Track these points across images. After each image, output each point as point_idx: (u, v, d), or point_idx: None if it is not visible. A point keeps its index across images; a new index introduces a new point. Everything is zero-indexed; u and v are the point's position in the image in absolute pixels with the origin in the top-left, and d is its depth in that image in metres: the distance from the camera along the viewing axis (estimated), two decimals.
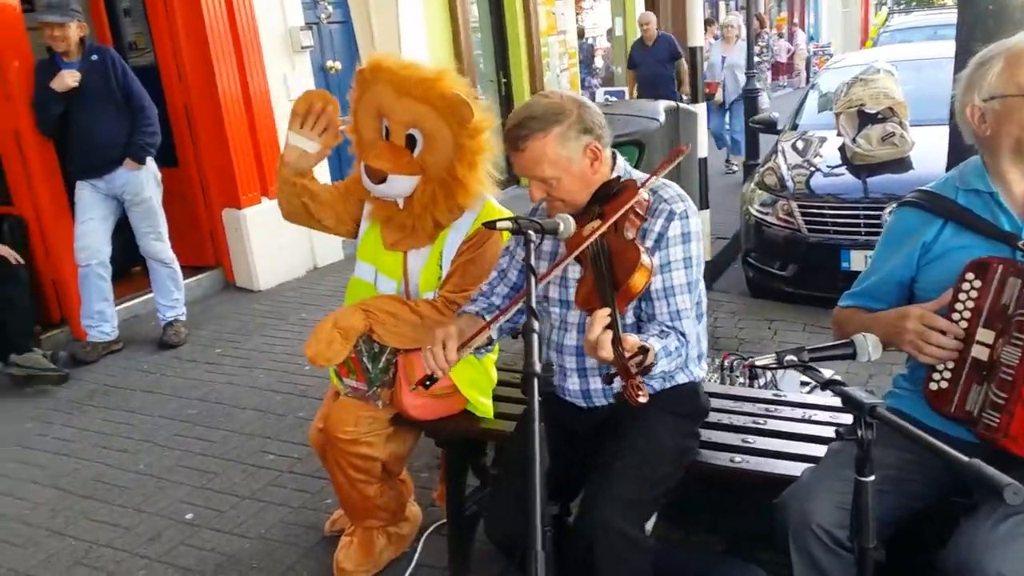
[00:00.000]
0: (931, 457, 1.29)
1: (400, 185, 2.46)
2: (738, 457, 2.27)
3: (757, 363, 1.83)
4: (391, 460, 2.75)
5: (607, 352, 1.67)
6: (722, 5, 20.18)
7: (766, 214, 5.30)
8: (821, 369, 1.69)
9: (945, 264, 1.87)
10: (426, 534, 2.96)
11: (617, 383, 1.71)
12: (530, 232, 1.88)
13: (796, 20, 25.25)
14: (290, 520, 3.16)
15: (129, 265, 5.57)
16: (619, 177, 2.11)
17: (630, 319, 2.09)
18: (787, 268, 5.17)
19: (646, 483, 2.05)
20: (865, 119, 5.35)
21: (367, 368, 2.61)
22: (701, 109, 5.37)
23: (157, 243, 5.02)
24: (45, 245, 5.09)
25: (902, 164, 5.03)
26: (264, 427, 3.92)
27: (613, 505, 1.94)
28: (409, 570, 2.79)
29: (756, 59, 11.61)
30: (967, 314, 1.80)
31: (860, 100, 5.48)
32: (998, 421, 1.75)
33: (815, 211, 5.03)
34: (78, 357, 4.85)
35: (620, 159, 2.18)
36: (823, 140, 5.82)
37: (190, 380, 4.54)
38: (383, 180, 2.45)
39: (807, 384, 3.00)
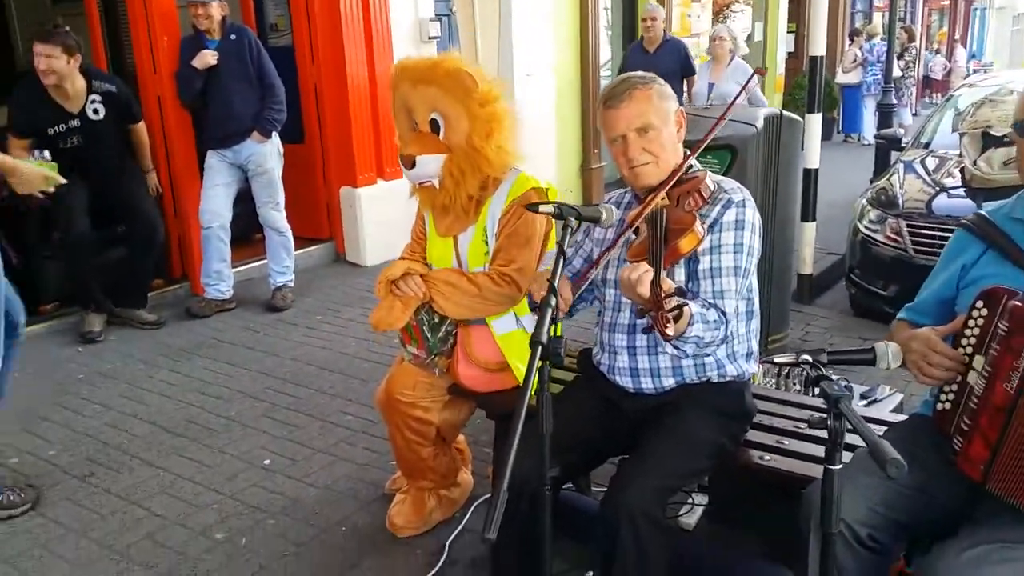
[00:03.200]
0: (940, 481, 1.32)
1: (428, 165, 2.60)
2: (767, 456, 2.30)
3: (776, 360, 1.88)
4: (445, 426, 2.90)
5: (644, 288, 1.77)
6: (876, 16, 19.39)
7: (874, 232, 5.15)
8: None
9: (976, 289, 1.86)
10: (476, 503, 3.10)
11: (648, 319, 1.80)
12: (570, 218, 2.00)
13: (958, 36, 23.93)
14: (355, 475, 3.37)
15: (250, 232, 5.97)
16: (690, 167, 2.22)
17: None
18: (889, 288, 5.01)
19: (676, 475, 2.11)
20: (990, 141, 5.11)
21: (427, 337, 2.76)
22: (814, 118, 5.28)
23: (275, 212, 5.38)
24: (176, 206, 5.55)
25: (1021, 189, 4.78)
26: (347, 390, 4.17)
27: (641, 491, 2.01)
28: (454, 533, 2.93)
29: (899, 74, 11.18)
30: (972, 341, 1.81)
31: (987, 121, 5.24)
32: (961, 445, 1.78)
33: (924, 232, 4.85)
34: (192, 311, 5.28)
35: (690, 155, 2.27)
36: (959, 160, 5.56)
37: (289, 341, 4.86)
38: (413, 164, 2.59)
39: (865, 399, 2.95)
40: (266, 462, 3.50)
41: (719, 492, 2.83)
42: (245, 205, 5.47)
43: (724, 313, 2.06)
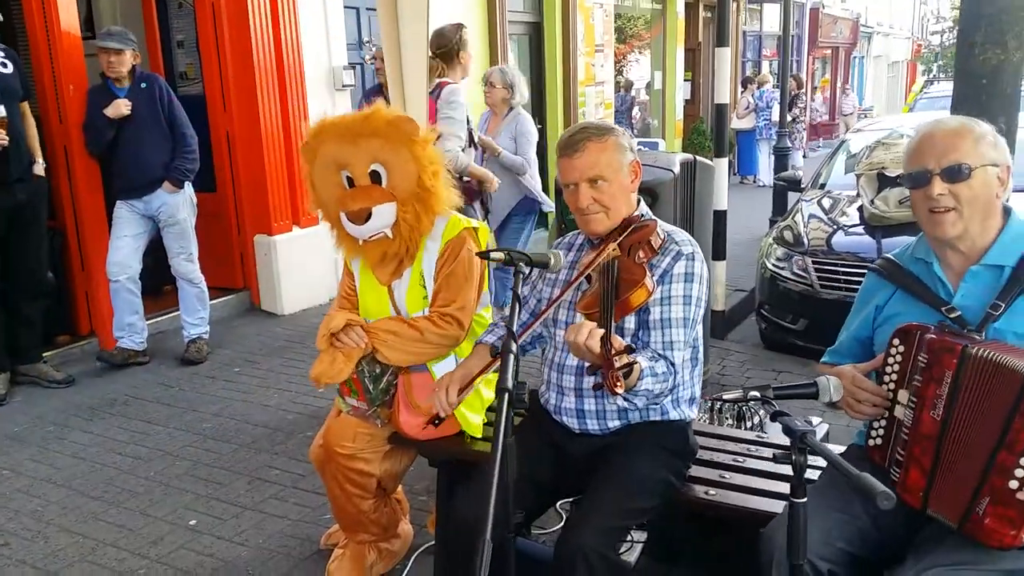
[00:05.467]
0: (887, 511, 1.40)
1: (385, 215, 2.60)
2: (712, 490, 2.35)
3: (724, 397, 1.94)
4: (386, 477, 2.86)
5: (595, 345, 1.80)
6: (764, 64, 20.42)
7: (781, 269, 5.38)
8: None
9: (891, 327, 1.98)
10: (416, 553, 3.05)
11: (598, 376, 1.82)
12: (520, 263, 2.04)
13: (848, 83, 25.36)
14: (288, 532, 3.27)
15: (161, 283, 5.79)
16: (641, 215, 2.29)
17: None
18: (799, 322, 5.23)
19: (625, 513, 2.15)
20: (885, 182, 5.44)
21: (368, 388, 2.73)
22: (721, 163, 5.51)
23: (187, 263, 5.23)
24: (82, 259, 5.33)
25: (917, 227, 5.08)
26: (273, 444, 4.05)
27: (594, 532, 2.04)
28: None
29: (790, 119, 11.79)
30: (894, 376, 1.93)
31: (881, 163, 5.58)
32: (898, 476, 1.88)
33: (828, 268, 5.11)
34: (103, 358, 5.07)
35: (643, 203, 2.36)
36: (852, 200, 5.87)
37: (207, 395, 4.70)
38: (368, 217, 2.57)
39: None
40: (192, 523, 3.36)
41: (656, 527, 2.87)
42: (156, 255, 5.31)
43: (673, 364, 2.12)
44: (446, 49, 4.40)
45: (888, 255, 2.18)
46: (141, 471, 3.81)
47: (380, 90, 4.77)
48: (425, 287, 2.69)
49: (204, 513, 3.43)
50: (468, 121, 4.49)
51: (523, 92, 5.21)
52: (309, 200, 2.81)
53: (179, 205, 5.11)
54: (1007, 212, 1.98)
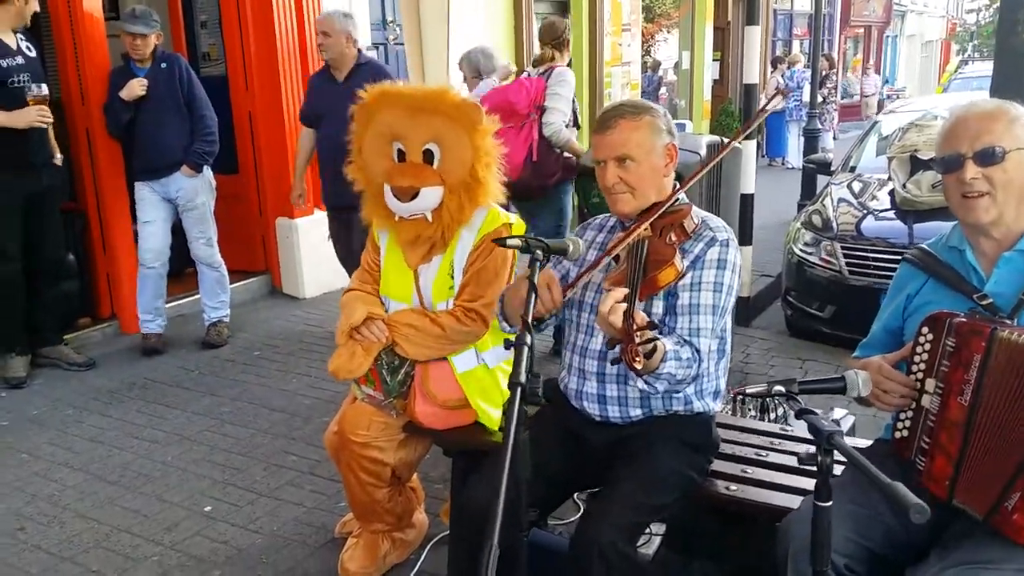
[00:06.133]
0: None
1: (431, 197, 2.54)
2: (734, 486, 2.29)
3: (747, 391, 1.86)
4: (401, 466, 2.81)
5: (617, 318, 1.74)
6: (795, 44, 20.07)
7: (809, 254, 5.26)
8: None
9: (920, 317, 1.92)
10: (431, 543, 3.01)
11: (618, 350, 1.76)
12: (537, 251, 1.98)
13: (870, 62, 24.90)
14: (303, 519, 3.24)
15: (181, 267, 5.77)
16: (677, 199, 2.20)
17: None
18: (825, 309, 5.11)
19: (645, 508, 2.09)
20: (917, 165, 5.29)
21: (385, 380, 2.68)
22: (748, 145, 5.39)
23: (207, 248, 5.20)
24: (104, 242, 5.32)
25: (950, 212, 4.93)
26: (290, 429, 4.03)
27: (613, 526, 1.98)
28: None
29: (821, 100, 11.57)
30: (922, 366, 1.86)
31: (914, 145, 5.43)
32: (924, 465, 1.81)
33: (857, 254, 4.98)
34: (143, 350, 5.05)
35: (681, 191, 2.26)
36: (883, 183, 5.73)
37: (226, 379, 4.68)
38: (415, 195, 2.52)
39: None
40: (207, 509, 3.34)
41: (675, 519, 2.81)
42: (177, 239, 5.27)
43: (698, 351, 2.04)
44: (558, 39, 4.93)
45: (922, 245, 2.11)
46: (158, 455, 3.80)
47: (327, 71, 4.92)
48: (453, 277, 2.63)
49: (220, 499, 3.41)
50: (573, 101, 4.85)
51: (495, 65, 5.29)
52: (349, 165, 2.72)
53: (198, 189, 5.07)
54: None
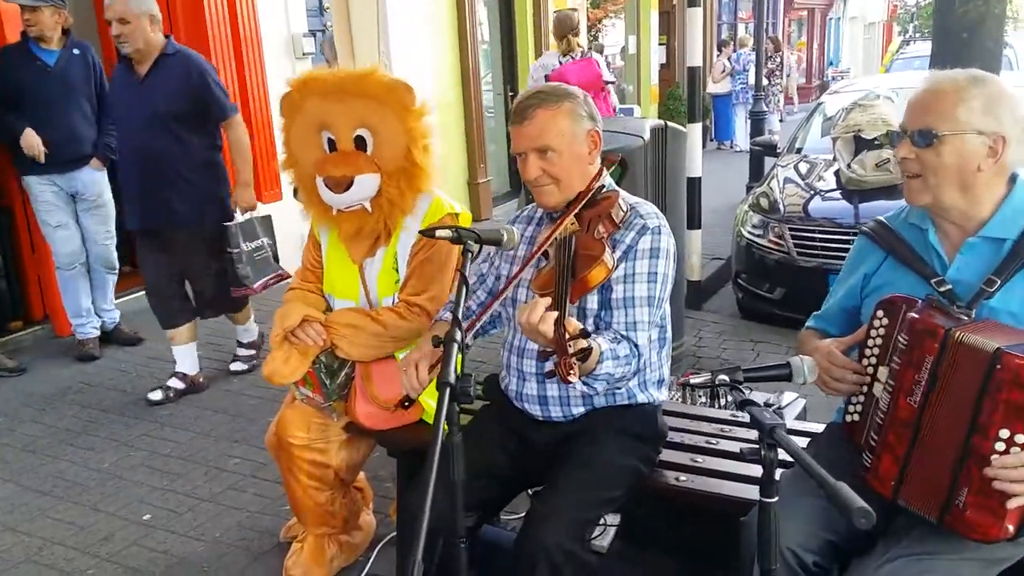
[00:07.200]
0: (865, 495, 1.29)
1: (367, 186, 2.43)
2: (684, 476, 2.23)
3: (692, 382, 1.80)
4: (344, 468, 2.71)
5: (548, 328, 1.66)
6: (740, 27, 20.19)
7: (758, 236, 5.26)
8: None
9: (878, 297, 1.85)
10: (380, 544, 2.92)
11: (551, 362, 1.68)
12: (469, 242, 1.89)
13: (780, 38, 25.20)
14: (246, 525, 3.13)
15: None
16: (603, 187, 2.12)
17: (589, 327, 2.06)
18: (775, 291, 5.12)
19: (593, 505, 2.03)
20: (862, 144, 5.30)
21: (324, 383, 2.58)
22: (694, 129, 5.36)
23: (112, 250, 4.90)
24: (32, 241, 5.09)
25: (895, 191, 4.95)
26: (232, 431, 3.90)
27: (558, 525, 1.91)
28: None
29: (767, 82, 11.65)
30: (876, 351, 1.80)
31: (857, 125, 5.43)
32: (871, 463, 1.76)
33: (805, 235, 4.99)
34: (67, 349, 4.85)
35: (606, 173, 2.19)
36: (828, 164, 5.75)
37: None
38: (350, 185, 2.40)
39: (771, 405, 2.94)
40: (146, 517, 3.21)
41: (628, 511, 2.76)
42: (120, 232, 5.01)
43: (636, 346, 1.97)
44: (574, 28, 6.23)
45: (880, 218, 2.02)
46: (93, 463, 3.65)
47: (127, 64, 4.19)
48: (398, 271, 2.53)
49: (159, 506, 3.28)
50: None
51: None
52: (281, 160, 2.61)
53: (104, 185, 4.77)
54: (1013, 180, 1.82)
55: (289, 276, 4.15)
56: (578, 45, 6.29)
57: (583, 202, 2.02)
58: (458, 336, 1.61)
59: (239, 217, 4.15)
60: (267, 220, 4.37)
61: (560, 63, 6.26)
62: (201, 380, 4.39)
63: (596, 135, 2.10)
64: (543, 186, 2.07)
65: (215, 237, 4.11)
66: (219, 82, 4.13)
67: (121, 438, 3.87)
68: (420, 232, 2.15)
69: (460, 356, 1.63)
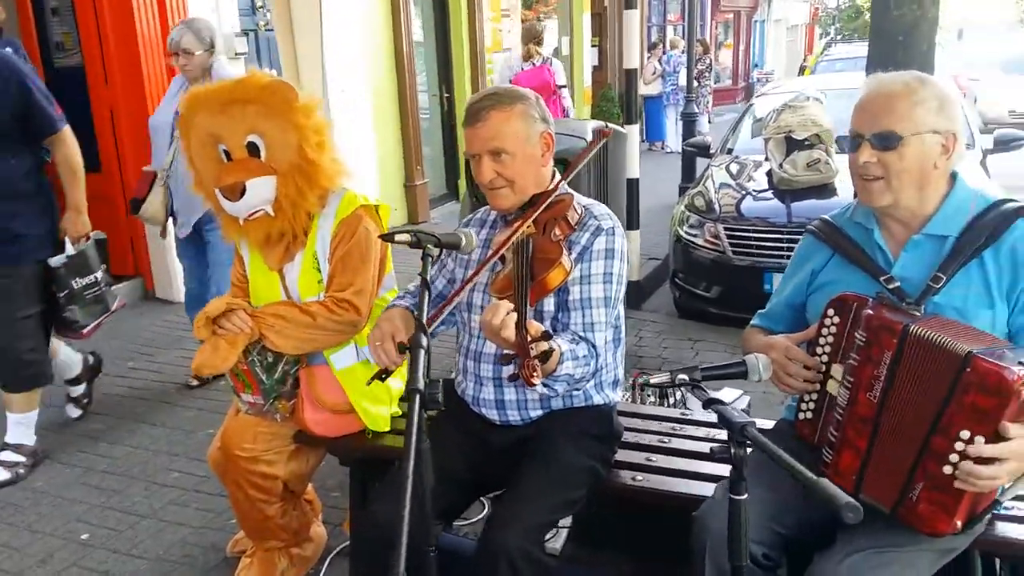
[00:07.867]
0: None
1: (261, 190, 2.38)
2: (639, 476, 2.26)
3: (651, 381, 1.82)
4: (292, 479, 2.66)
5: (509, 332, 1.66)
6: (669, 29, 20.51)
7: (694, 236, 5.35)
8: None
9: (826, 294, 1.89)
10: (331, 556, 2.88)
11: (513, 366, 1.68)
12: (428, 245, 1.87)
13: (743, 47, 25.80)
14: (191, 540, 3.05)
15: None
16: (556, 190, 2.12)
17: (547, 326, 2.06)
18: (712, 289, 5.21)
19: (551, 507, 2.03)
20: (793, 145, 5.43)
21: (261, 380, 2.52)
22: (633, 129, 5.42)
23: None
24: None
25: (826, 190, 5.11)
26: (171, 444, 3.79)
27: (518, 531, 1.91)
28: None
29: (696, 84, 11.86)
30: (828, 348, 1.84)
31: (788, 126, 5.56)
32: (831, 458, 1.80)
33: (740, 234, 5.09)
34: None
35: (559, 175, 2.20)
36: (758, 164, 5.88)
37: (98, 392, 4.34)
38: (243, 192, 2.36)
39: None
40: (84, 536, 3.10)
41: (581, 512, 2.77)
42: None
43: (594, 346, 1.99)
44: (537, 38, 7.03)
45: (825, 216, 2.07)
46: (26, 482, 3.50)
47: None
48: (320, 271, 2.49)
49: (97, 525, 3.17)
50: None
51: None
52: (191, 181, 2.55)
53: None
54: (953, 178, 1.88)
55: (124, 305, 3.95)
56: (538, 53, 7.02)
57: (543, 206, 2.02)
58: (424, 342, 1.59)
59: (69, 249, 3.51)
60: (102, 244, 3.73)
61: (522, 69, 7.04)
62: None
63: (549, 137, 2.11)
64: (497, 188, 2.07)
65: (35, 277, 3.44)
66: (43, 88, 3.42)
67: (54, 455, 3.73)
68: (380, 237, 2.13)
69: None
